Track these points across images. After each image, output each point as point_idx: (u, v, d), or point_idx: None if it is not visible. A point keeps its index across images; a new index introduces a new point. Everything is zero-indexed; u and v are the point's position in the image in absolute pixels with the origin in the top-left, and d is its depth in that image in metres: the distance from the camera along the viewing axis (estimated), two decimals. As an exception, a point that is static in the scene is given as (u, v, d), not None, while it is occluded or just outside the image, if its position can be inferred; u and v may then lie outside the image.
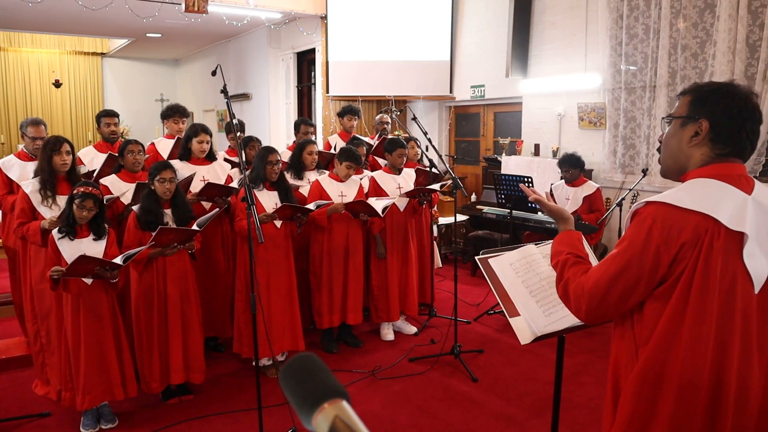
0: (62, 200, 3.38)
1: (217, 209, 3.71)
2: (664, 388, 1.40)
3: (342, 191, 4.32)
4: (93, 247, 3.21)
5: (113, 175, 3.92)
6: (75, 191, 3.16)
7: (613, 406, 1.54)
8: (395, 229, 4.63)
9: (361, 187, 4.46)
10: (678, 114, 1.54)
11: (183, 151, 4.25)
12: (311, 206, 3.98)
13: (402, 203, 4.63)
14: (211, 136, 4.29)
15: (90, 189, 3.18)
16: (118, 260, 3.10)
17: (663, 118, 1.59)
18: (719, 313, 1.38)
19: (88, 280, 3.19)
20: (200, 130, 4.25)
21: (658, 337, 1.41)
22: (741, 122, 1.44)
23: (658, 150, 1.61)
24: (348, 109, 5.67)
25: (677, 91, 5.19)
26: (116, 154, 3.99)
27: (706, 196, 1.40)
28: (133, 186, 3.83)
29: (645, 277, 1.41)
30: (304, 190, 4.44)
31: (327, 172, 4.51)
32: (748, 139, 1.46)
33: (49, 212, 3.40)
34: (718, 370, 1.39)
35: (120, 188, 3.81)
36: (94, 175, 3.98)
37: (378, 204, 4.18)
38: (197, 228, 3.45)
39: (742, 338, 1.40)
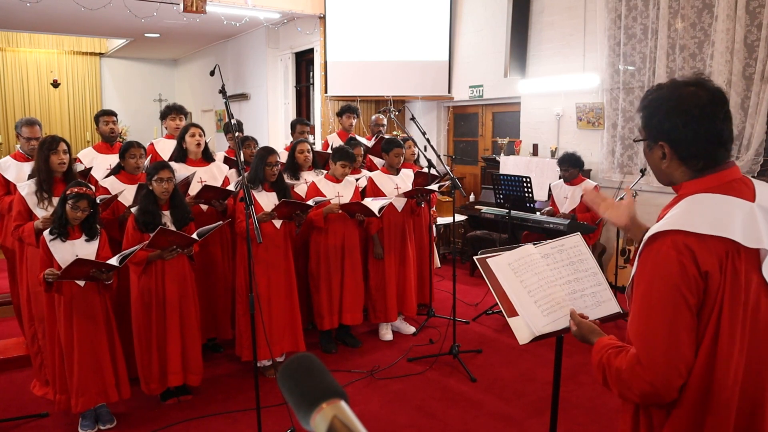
0: (59, 202, 3.36)
1: (220, 222, 3.65)
2: (708, 413, 1.36)
3: (339, 192, 4.32)
4: (85, 248, 3.19)
5: (112, 176, 3.92)
6: (68, 191, 3.13)
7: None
8: (392, 229, 4.63)
9: (356, 188, 4.46)
10: (641, 137, 1.48)
11: (179, 153, 4.24)
12: (310, 202, 3.99)
13: (400, 204, 4.62)
14: (203, 131, 4.29)
15: (84, 189, 3.15)
16: (113, 261, 3.08)
17: (634, 140, 1.55)
18: (750, 330, 1.34)
19: (81, 283, 3.17)
20: (190, 125, 4.26)
21: (699, 368, 1.34)
22: (695, 132, 1.36)
23: None
24: (346, 107, 5.65)
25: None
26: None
27: (714, 215, 1.33)
28: (130, 187, 3.82)
29: (694, 312, 1.32)
30: (300, 189, 4.44)
31: (324, 172, 4.51)
32: (713, 143, 1.37)
33: (45, 214, 3.38)
34: (753, 387, 1.35)
35: (119, 189, 3.80)
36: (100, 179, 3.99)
37: (374, 204, 4.18)
38: (196, 237, 3.44)
39: None
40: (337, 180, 4.36)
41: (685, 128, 1.37)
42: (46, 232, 3.16)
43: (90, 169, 4.04)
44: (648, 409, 1.43)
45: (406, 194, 4.57)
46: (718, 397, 1.33)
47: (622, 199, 5.17)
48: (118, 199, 3.76)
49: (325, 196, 4.22)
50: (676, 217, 1.36)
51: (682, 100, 1.37)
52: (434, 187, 4.64)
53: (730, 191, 1.37)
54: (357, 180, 4.70)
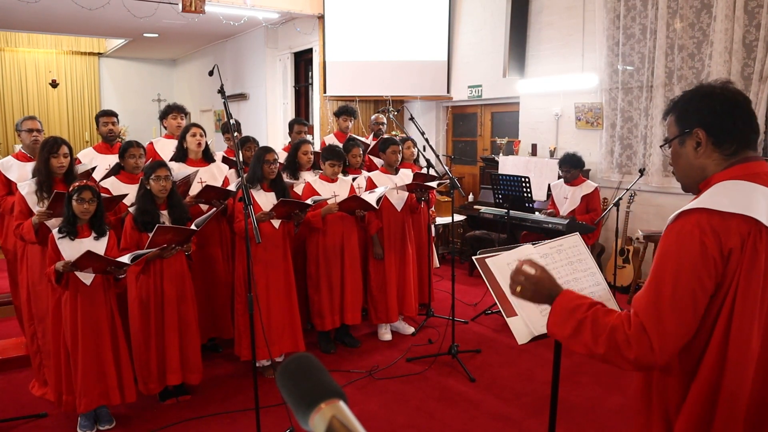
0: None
1: (214, 210, 3.70)
2: (718, 403, 1.37)
3: (334, 191, 4.31)
4: (94, 247, 3.18)
5: (113, 177, 3.92)
6: (71, 188, 3.16)
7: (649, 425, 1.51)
8: (392, 229, 4.62)
9: (352, 186, 4.46)
10: (672, 136, 1.52)
11: (179, 152, 4.24)
12: (308, 201, 3.99)
13: (400, 202, 4.62)
14: (204, 131, 4.28)
15: (85, 182, 3.18)
16: (125, 259, 3.08)
17: (661, 146, 1.57)
18: (765, 317, 1.35)
19: (87, 281, 3.17)
20: (191, 125, 4.26)
21: (712, 353, 1.36)
22: (731, 115, 1.43)
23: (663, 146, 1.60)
24: (344, 109, 5.65)
25: (674, 92, 5.21)
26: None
27: (740, 197, 1.37)
28: (133, 187, 3.82)
29: (708, 293, 1.35)
30: (299, 189, 4.44)
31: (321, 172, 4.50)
32: (747, 126, 1.44)
33: (41, 209, 3.38)
34: (765, 375, 1.36)
35: (120, 190, 3.81)
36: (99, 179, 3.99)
37: (371, 197, 4.17)
38: (195, 228, 3.44)
39: None
40: (331, 180, 4.36)
41: (722, 111, 1.43)
42: (54, 231, 3.17)
43: (93, 168, 4.04)
44: (665, 389, 1.46)
45: (408, 186, 4.56)
46: (731, 374, 1.35)
47: (620, 199, 5.16)
48: (123, 201, 3.76)
49: (320, 196, 4.22)
50: (702, 198, 1.41)
51: (716, 90, 1.45)
52: (434, 184, 4.65)
53: (756, 180, 1.41)
54: (355, 180, 4.69)
